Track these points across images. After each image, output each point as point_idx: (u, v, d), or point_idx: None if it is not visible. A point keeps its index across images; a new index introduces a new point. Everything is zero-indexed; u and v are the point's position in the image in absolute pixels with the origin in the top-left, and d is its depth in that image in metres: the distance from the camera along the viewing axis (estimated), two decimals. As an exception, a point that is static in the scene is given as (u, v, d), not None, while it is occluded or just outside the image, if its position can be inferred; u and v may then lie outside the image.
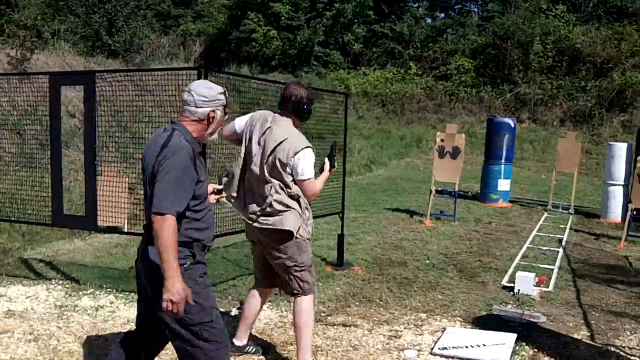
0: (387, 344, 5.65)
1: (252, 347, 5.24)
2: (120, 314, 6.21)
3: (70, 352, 5.25)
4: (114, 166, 9.39)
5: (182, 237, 3.38)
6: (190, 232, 3.48)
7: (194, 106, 3.55)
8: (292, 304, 6.63)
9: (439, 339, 5.70)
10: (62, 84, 7.40)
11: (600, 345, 5.79)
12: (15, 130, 11.70)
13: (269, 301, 6.70)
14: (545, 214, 13.78)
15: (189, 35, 32.28)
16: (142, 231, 3.67)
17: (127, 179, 9.71)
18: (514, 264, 8.83)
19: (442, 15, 35.80)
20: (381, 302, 6.89)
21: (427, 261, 8.98)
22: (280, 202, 4.59)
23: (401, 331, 6.01)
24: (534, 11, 27.69)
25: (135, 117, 11.34)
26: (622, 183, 13.10)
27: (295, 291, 4.77)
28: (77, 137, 12.66)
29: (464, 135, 13.34)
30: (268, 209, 4.60)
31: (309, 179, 4.61)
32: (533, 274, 7.52)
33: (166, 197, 3.26)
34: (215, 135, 3.72)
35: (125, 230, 8.78)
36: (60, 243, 9.56)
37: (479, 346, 5.52)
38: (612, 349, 5.72)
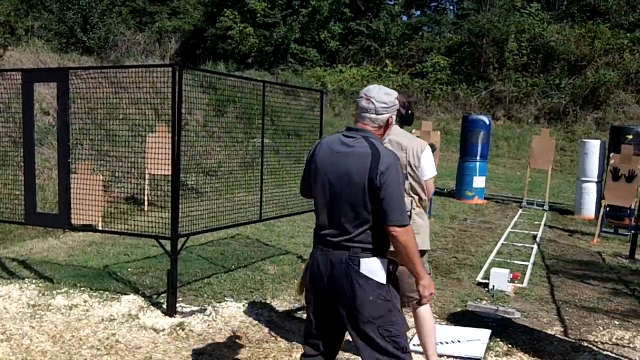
0: (362, 340, 5.65)
1: None
2: (94, 312, 6.15)
3: (44, 351, 5.20)
4: (89, 164, 9.32)
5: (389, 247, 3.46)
6: None
7: (375, 113, 3.51)
8: (267, 301, 6.64)
9: (414, 335, 5.72)
10: (35, 80, 7.32)
11: (574, 341, 5.85)
12: (-12, 127, 11.58)
13: (245, 299, 6.70)
14: (520, 211, 13.88)
15: (164, 32, 32.09)
16: (320, 243, 3.54)
17: (101, 176, 9.65)
18: (488, 261, 8.88)
19: (418, 12, 35.93)
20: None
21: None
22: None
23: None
24: (509, 9, 27.88)
25: (111, 114, 11.28)
26: (596, 180, 13.22)
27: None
28: (51, 135, 12.55)
29: (439, 132, 13.41)
30: None
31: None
32: (507, 270, 7.58)
33: (402, 209, 3.34)
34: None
35: (100, 228, 8.73)
36: (34, 242, 9.47)
37: (453, 342, 5.55)
38: (585, 344, 5.78)
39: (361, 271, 3.36)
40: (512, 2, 28.19)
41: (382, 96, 3.52)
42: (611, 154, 12.18)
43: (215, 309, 6.32)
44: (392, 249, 3.44)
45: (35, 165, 7.22)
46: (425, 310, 4.75)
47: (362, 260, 3.36)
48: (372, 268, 3.37)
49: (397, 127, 4.69)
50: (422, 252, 4.50)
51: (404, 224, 3.32)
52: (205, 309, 6.31)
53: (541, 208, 14.17)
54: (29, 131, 7.05)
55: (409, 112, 4.78)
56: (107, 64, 21.13)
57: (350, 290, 3.36)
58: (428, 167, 4.66)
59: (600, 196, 12.75)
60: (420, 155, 4.62)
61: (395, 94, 3.61)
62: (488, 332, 5.77)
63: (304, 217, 10.23)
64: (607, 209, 11.37)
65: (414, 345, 5.43)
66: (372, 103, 3.50)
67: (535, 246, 10.05)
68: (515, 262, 8.86)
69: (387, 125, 3.59)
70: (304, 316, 6.24)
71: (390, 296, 3.43)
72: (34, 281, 7.14)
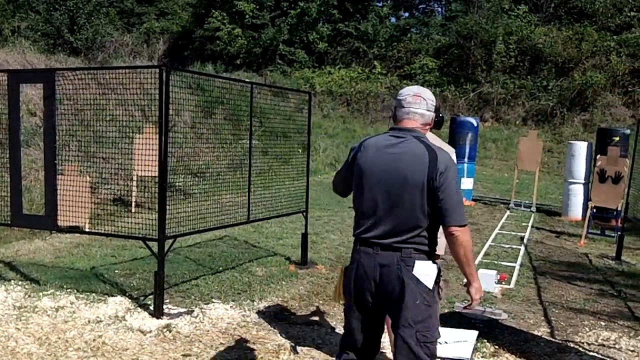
0: (350, 342, 5.65)
1: None
2: (80, 314, 6.13)
3: (29, 353, 5.17)
4: (76, 165, 9.28)
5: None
6: None
7: (426, 109, 3.54)
8: (254, 303, 6.64)
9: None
10: (21, 81, 7.28)
11: (560, 342, 5.87)
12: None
13: (232, 301, 6.69)
14: (508, 212, 13.92)
15: (152, 33, 32.03)
16: (369, 246, 3.47)
17: (89, 178, 9.61)
18: (476, 262, 8.90)
19: (406, 14, 35.99)
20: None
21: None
22: None
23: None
24: (497, 11, 27.99)
25: (98, 115, 11.23)
26: (583, 181, 13.29)
27: None
28: (38, 136, 12.48)
29: (432, 133, 13.41)
30: None
31: None
32: (495, 272, 7.61)
33: (461, 210, 3.36)
34: None
35: (87, 229, 8.70)
36: (20, 243, 9.41)
37: (440, 343, 5.54)
38: (571, 345, 5.80)
39: (414, 273, 3.35)
40: (499, 4, 28.30)
41: (428, 94, 3.57)
42: (598, 156, 12.24)
43: (203, 310, 6.30)
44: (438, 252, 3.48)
45: (21, 166, 7.19)
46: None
47: (417, 261, 3.36)
48: (425, 271, 3.37)
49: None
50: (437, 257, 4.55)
51: (464, 224, 3.35)
52: (193, 311, 6.29)
53: (529, 209, 14.17)
54: (15, 132, 7.01)
55: (440, 115, 4.82)
56: (94, 65, 21.05)
57: (399, 291, 3.35)
58: None
59: (587, 198, 12.82)
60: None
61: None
62: (475, 333, 5.77)
63: (292, 219, 10.23)
64: (594, 210, 11.43)
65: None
66: (423, 99, 3.53)
67: (522, 247, 10.09)
68: (503, 263, 8.89)
69: (430, 123, 3.63)
70: (292, 318, 6.26)
71: (433, 302, 3.41)
72: (20, 283, 7.10)
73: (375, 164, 3.44)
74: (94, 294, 6.70)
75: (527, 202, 14.65)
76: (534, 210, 14.10)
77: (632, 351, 5.68)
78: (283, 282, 7.52)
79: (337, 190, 3.89)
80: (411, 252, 3.36)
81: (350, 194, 3.75)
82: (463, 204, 3.41)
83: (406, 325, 3.34)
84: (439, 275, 3.45)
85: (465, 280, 3.56)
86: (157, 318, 6.00)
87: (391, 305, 3.39)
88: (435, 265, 3.42)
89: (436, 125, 4.83)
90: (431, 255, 3.43)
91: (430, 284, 3.37)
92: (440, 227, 3.45)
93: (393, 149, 3.43)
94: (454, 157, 4.77)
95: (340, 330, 5.96)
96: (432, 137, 4.76)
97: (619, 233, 10.05)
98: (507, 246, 10.16)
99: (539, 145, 14.85)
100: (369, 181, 3.45)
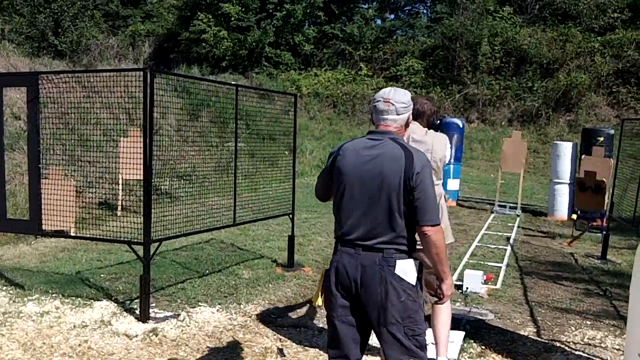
0: (337, 344, 5.65)
1: None
2: (66, 319, 6.09)
3: (14, 359, 5.14)
4: (61, 169, 9.23)
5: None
6: None
7: (396, 114, 3.55)
8: (241, 306, 6.62)
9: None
10: (4, 85, 7.25)
11: (546, 341, 5.89)
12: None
13: (219, 304, 6.67)
14: (494, 214, 13.97)
15: (138, 36, 31.88)
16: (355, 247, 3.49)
17: (74, 181, 9.57)
18: (462, 263, 8.93)
19: (392, 16, 35.99)
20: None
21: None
22: None
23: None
24: (482, 13, 28.06)
25: (83, 118, 11.19)
26: (568, 181, 13.35)
27: None
28: (22, 140, 12.41)
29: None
30: None
31: None
32: (481, 272, 7.63)
33: (435, 209, 3.40)
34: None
35: (72, 234, 8.64)
36: (4, 248, 9.35)
37: (427, 345, 5.55)
38: (558, 344, 5.83)
39: (396, 272, 3.39)
40: (484, 6, 28.39)
41: (400, 97, 3.57)
42: (583, 156, 12.32)
43: (189, 314, 6.29)
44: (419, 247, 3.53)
45: (5, 170, 7.14)
46: (445, 303, 4.82)
47: (398, 261, 3.41)
48: (406, 269, 3.42)
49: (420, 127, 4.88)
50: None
51: (437, 224, 3.39)
52: (179, 314, 6.27)
53: (514, 213, 13.99)
54: (-1, 136, 6.97)
55: (436, 121, 4.94)
56: (79, 68, 20.96)
57: (383, 291, 3.39)
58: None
59: (572, 198, 12.89)
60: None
61: (409, 94, 3.66)
62: (462, 333, 5.79)
63: (279, 221, 10.23)
64: (579, 212, 11.52)
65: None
66: (392, 104, 3.54)
67: (508, 248, 10.12)
68: (489, 263, 8.92)
69: (407, 125, 3.65)
70: (279, 320, 6.26)
71: (418, 296, 3.48)
72: (4, 288, 7.06)
73: (354, 167, 3.49)
74: (79, 299, 6.67)
75: (512, 204, 14.55)
76: (519, 213, 13.94)
77: (617, 350, 5.71)
78: (270, 285, 7.51)
79: (318, 195, 3.91)
80: (392, 253, 3.40)
81: (330, 198, 3.78)
82: (437, 203, 3.46)
83: (394, 322, 3.39)
84: (420, 271, 3.51)
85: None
86: (143, 322, 5.97)
87: (374, 305, 3.42)
88: (414, 261, 3.47)
89: (433, 128, 4.89)
90: (411, 253, 3.47)
91: (413, 280, 3.43)
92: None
93: (370, 151, 3.48)
94: (448, 144, 4.87)
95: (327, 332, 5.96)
96: (421, 131, 4.81)
97: (604, 232, 10.10)
98: (493, 246, 10.20)
99: (523, 146, 14.71)
100: (348, 183, 3.50)
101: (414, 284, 3.44)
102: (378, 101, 3.59)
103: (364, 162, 3.46)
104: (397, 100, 3.55)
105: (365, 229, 3.44)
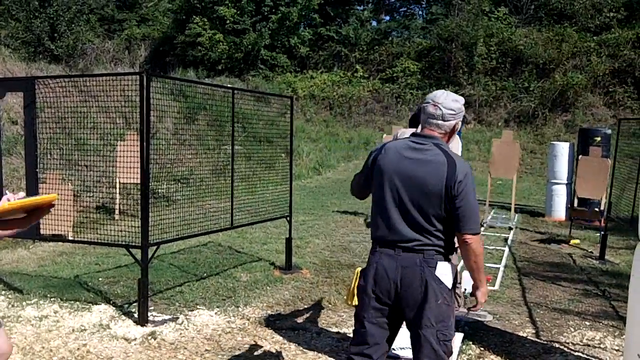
0: (335, 346, 5.66)
1: None
2: (64, 323, 6.09)
3: (13, 364, 5.14)
4: (58, 173, 9.23)
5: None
6: None
7: (442, 120, 3.51)
8: (239, 309, 6.62)
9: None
10: (1, 90, 7.23)
11: (545, 342, 5.90)
12: (-46, 138, 11.41)
13: (217, 307, 6.67)
14: (492, 213, 13.96)
15: (133, 40, 31.88)
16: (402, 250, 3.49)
17: (71, 185, 9.56)
18: (460, 264, 8.91)
19: (387, 18, 36.07)
20: (329, 305, 6.90)
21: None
22: None
23: (349, 333, 6.01)
24: (477, 14, 28.11)
25: (80, 123, 11.18)
26: (566, 182, 13.36)
27: None
28: (19, 144, 12.40)
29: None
30: None
31: None
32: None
33: (476, 218, 3.42)
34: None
35: (70, 238, 8.64)
36: (2, 252, 9.33)
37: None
38: (557, 345, 5.83)
39: (436, 274, 3.41)
40: (480, 6, 28.44)
41: (449, 103, 3.53)
42: (580, 156, 12.33)
43: (187, 317, 6.28)
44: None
45: (2, 175, 7.14)
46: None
47: (438, 262, 3.42)
48: (445, 272, 3.43)
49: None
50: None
51: (477, 232, 3.41)
52: (177, 318, 6.27)
53: (507, 225, 12.46)
54: (-4, 141, 6.96)
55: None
56: (75, 72, 20.95)
57: (422, 293, 3.40)
58: None
59: (570, 198, 12.90)
60: None
61: (462, 100, 3.63)
62: (460, 335, 5.79)
63: (276, 224, 10.22)
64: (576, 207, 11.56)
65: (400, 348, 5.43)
66: (440, 109, 3.51)
67: (506, 249, 10.12)
68: (487, 264, 8.91)
69: (452, 131, 3.61)
70: (277, 323, 6.25)
71: (452, 301, 3.49)
72: (3, 292, 7.05)
73: (394, 169, 3.49)
74: (77, 303, 6.66)
75: (504, 216, 13.59)
76: (513, 227, 12.41)
77: (616, 350, 5.71)
78: (268, 288, 7.51)
79: (354, 192, 3.94)
80: (433, 254, 3.42)
81: (367, 197, 3.82)
82: (478, 212, 3.47)
83: (428, 325, 3.40)
84: (455, 276, 3.55)
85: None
86: (142, 325, 5.97)
87: (413, 306, 3.43)
88: (452, 265, 3.50)
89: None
90: (448, 258, 3.50)
91: (449, 284, 3.45)
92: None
93: (414, 155, 3.47)
94: (459, 147, 4.85)
95: (326, 334, 5.96)
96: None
97: (602, 233, 10.11)
98: (491, 247, 10.19)
99: (515, 148, 13.28)
100: (389, 185, 3.50)
101: (450, 288, 3.45)
102: (427, 103, 3.55)
103: (407, 165, 3.46)
104: (446, 106, 3.51)
105: (405, 230, 3.44)
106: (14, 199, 2.55)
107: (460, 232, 3.40)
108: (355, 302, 3.65)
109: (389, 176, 3.49)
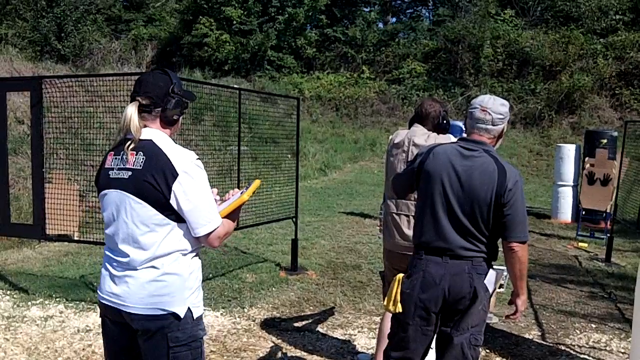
0: (341, 348, 5.65)
1: None
2: (70, 323, 6.09)
3: (19, 363, 5.15)
4: (64, 173, 9.24)
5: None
6: None
7: (491, 124, 3.50)
8: (244, 310, 6.61)
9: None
10: (8, 89, 7.25)
11: (551, 345, 5.88)
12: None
13: (222, 308, 6.66)
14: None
15: (140, 40, 31.91)
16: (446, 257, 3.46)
17: (77, 185, 9.57)
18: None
19: (394, 19, 36.02)
20: (335, 307, 6.89)
21: (381, 264, 9.00)
22: None
23: (355, 335, 6.02)
24: (484, 15, 28.05)
25: (86, 123, 11.20)
26: (572, 184, 13.32)
27: None
28: (25, 144, 12.43)
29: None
30: None
31: None
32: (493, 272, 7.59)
33: (524, 226, 3.37)
34: None
35: (76, 238, 8.65)
36: (8, 252, 9.36)
37: (431, 348, 5.54)
38: (562, 347, 5.82)
39: (485, 282, 3.40)
40: (486, 8, 28.38)
41: (498, 107, 3.51)
42: (586, 158, 12.29)
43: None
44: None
45: (9, 175, 7.15)
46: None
47: (489, 271, 3.44)
48: (491, 279, 3.44)
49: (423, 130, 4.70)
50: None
51: (525, 241, 3.37)
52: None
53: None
54: (2, 140, 6.98)
55: (444, 121, 4.77)
56: (82, 72, 21.00)
57: (470, 299, 3.37)
58: None
59: (576, 200, 12.86)
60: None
61: (508, 104, 3.60)
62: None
63: (282, 225, 10.21)
64: (584, 212, 11.49)
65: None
66: (489, 114, 3.49)
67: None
68: (494, 266, 8.88)
69: (500, 135, 3.59)
70: (283, 324, 6.24)
71: (487, 307, 3.49)
72: (8, 292, 7.06)
73: (443, 173, 3.45)
74: (83, 303, 6.67)
75: None
76: None
77: (622, 353, 5.69)
78: (273, 289, 7.51)
79: (396, 191, 3.92)
80: (481, 261, 3.41)
81: (407, 197, 3.86)
82: (527, 221, 3.43)
83: (465, 329, 3.40)
84: (497, 283, 3.52)
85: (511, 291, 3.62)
86: (147, 326, 5.96)
87: (457, 312, 3.41)
88: (498, 272, 3.54)
89: (440, 130, 4.79)
90: (491, 263, 3.50)
91: (491, 290, 3.46)
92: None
93: (463, 161, 3.44)
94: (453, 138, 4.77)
95: (331, 336, 5.95)
96: (423, 134, 4.70)
97: (608, 235, 10.08)
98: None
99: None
100: (437, 190, 3.45)
101: (490, 294, 3.46)
102: (475, 108, 3.52)
103: (456, 171, 3.42)
104: (494, 110, 3.49)
105: (453, 237, 3.40)
106: (239, 194, 2.95)
107: (508, 239, 3.37)
108: (400, 309, 3.58)
109: (438, 182, 3.45)
